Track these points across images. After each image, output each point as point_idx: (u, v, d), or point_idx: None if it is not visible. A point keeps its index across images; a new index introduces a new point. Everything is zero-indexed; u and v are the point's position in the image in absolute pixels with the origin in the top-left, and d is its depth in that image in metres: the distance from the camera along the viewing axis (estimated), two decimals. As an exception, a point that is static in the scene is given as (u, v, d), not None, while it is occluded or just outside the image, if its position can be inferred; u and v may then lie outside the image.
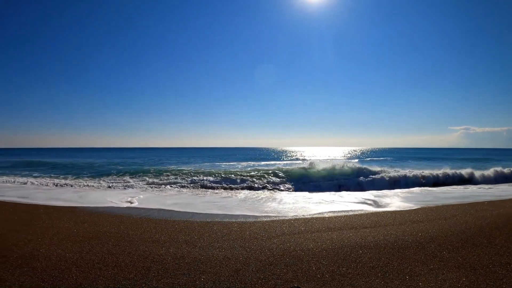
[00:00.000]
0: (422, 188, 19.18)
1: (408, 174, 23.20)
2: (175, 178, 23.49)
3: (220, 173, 25.47)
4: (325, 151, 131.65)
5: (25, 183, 22.02)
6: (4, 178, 24.68)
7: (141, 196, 15.86)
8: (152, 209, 12.39)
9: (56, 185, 20.98)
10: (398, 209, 11.68)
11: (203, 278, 5.38)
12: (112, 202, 14.12)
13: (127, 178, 24.06)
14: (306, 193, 16.90)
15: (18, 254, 6.66)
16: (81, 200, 14.70)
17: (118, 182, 21.74)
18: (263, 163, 51.33)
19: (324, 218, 10.20)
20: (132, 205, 13.41)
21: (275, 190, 19.44)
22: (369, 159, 69.66)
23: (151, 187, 19.86)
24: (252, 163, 51.40)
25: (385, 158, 71.70)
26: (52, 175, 27.52)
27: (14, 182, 22.56)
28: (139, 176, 25.03)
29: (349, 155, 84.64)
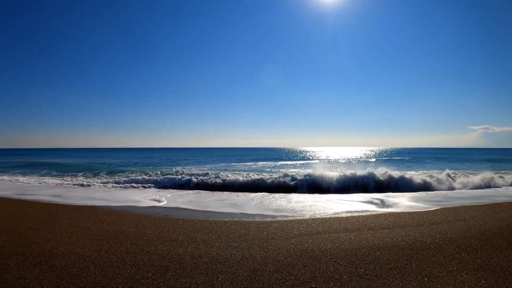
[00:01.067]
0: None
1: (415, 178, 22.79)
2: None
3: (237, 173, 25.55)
4: (342, 152, 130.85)
5: (60, 184, 22.41)
6: (35, 178, 25.20)
7: (169, 195, 16.13)
8: (170, 207, 12.50)
9: (82, 185, 21.43)
10: (416, 210, 11.56)
11: (221, 278, 5.37)
12: (140, 201, 14.41)
13: (155, 177, 24.26)
14: (322, 194, 16.85)
15: (37, 252, 6.73)
16: (113, 199, 15.02)
17: (143, 182, 21.97)
18: (279, 163, 51.45)
19: (341, 218, 10.16)
20: (159, 204, 13.64)
21: (290, 190, 19.45)
22: (386, 158, 69.21)
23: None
24: (269, 163, 51.56)
25: (401, 157, 71.14)
26: (79, 175, 27.96)
27: (42, 183, 22.88)
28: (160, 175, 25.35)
29: (366, 155, 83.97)
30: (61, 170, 33.72)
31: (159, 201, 14.15)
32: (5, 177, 25.92)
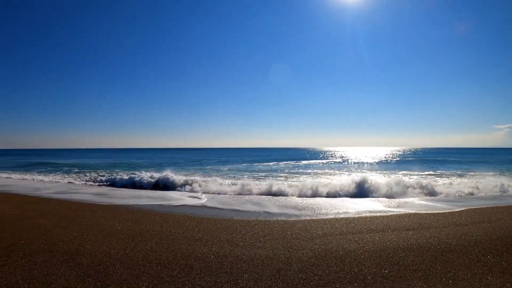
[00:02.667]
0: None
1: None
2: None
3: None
4: (367, 152, 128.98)
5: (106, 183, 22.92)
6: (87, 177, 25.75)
7: (211, 195, 16.28)
8: (195, 206, 12.60)
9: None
10: (441, 211, 11.41)
11: (246, 277, 5.36)
12: (184, 199, 14.69)
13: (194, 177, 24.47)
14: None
15: (64, 249, 6.82)
16: (162, 198, 15.21)
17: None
18: (302, 162, 51.35)
19: (365, 218, 10.07)
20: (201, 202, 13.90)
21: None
22: (411, 158, 68.10)
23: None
24: (292, 162, 51.52)
25: (421, 158, 70.01)
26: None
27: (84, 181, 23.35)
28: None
29: (392, 156, 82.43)
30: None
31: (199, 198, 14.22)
32: (45, 177, 26.55)
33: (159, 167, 43.84)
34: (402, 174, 28.07)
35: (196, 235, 8.21)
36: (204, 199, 14.61)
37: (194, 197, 15.42)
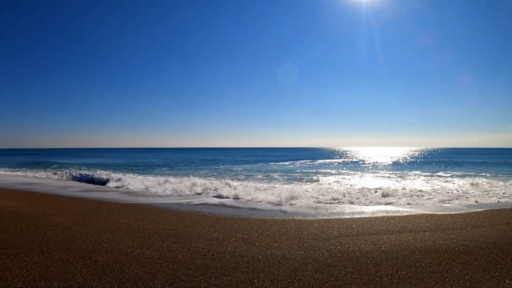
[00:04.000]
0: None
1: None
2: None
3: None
4: (383, 152, 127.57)
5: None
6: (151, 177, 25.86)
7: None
8: (213, 204, 12.62)
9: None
10: (458, 212, 11.27)
11: (262, 277, 5.33)
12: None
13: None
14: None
15: (81, 247, 6.87)
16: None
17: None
18: (318, 162, 51.23)
19: (381, 219, 9.95)
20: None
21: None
22: (432, 159, 67.14)
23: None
24: (308, 162, 51.44)
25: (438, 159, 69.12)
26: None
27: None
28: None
29: (406, 156, 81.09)
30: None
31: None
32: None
33: (174, 165, 44.39)
34: (425, 176, 27.72)
35: (212, 234, 8.21)
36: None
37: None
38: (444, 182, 21.93)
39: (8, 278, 5.21)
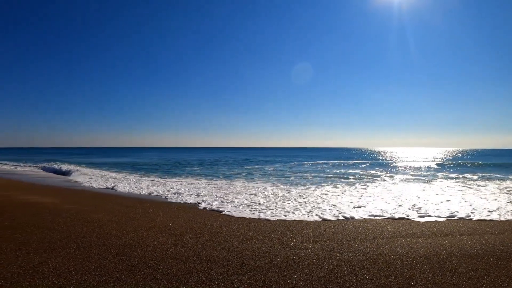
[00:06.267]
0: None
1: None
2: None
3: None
4: (418, 153, 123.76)
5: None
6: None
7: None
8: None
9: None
10: (496, 217, 10.96)
11: (295, 277, 5.26)
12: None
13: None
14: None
15: (117, 243, 6.97)
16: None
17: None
18: (350, 162, 50.70)
19: (418, 222, 9.70)
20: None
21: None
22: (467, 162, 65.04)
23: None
24: (343, 162, 50.95)
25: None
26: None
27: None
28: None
29: (444, 158, 78.01)
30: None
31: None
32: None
33: (207, 164, 44.86)
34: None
35: (247, 233, 8.19)
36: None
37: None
38: (479, 186, 21.24)
39: (45, 272, 5.33)
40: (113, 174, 29.00)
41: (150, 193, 16.13)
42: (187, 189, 17.94)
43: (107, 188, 18.69)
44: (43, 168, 35.59)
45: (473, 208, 11.99)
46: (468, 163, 49.27)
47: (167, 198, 14.64)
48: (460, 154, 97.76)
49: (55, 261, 5.83)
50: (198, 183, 21.33)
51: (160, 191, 17.03)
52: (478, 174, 30.12)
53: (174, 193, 15.94)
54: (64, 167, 35.07)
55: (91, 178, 24.78)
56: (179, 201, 13.90)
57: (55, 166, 36.76)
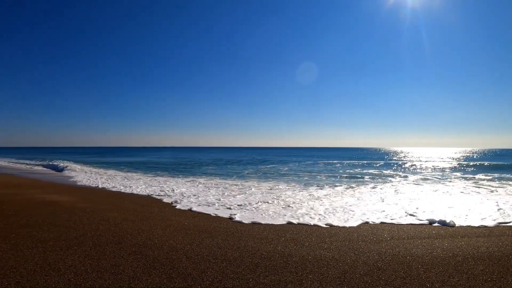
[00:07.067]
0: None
1: None
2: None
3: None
4: (440, 153, 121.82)
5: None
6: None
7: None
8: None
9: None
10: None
11: (310, 277, 5.24)
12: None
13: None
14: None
15: (132, 242, 7.01)
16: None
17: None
18: (362, 162, 50.44)
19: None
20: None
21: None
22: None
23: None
24: (357, 161, 50.75)
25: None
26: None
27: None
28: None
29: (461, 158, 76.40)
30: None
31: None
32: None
33: (221, 163, 45.10)
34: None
35: (262, 233, 8.18)
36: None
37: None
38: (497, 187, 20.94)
39: (61, 269, 5.37)
40: (129, 174, 29.24)
41: (164, 193, 16.15)
42: (200, 189, 18.00)
43: (122, 187, 18.78)
44: (54, 167, 36.27)
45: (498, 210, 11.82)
46: (484, 164, 48.61)
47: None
48: (475, 155, 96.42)
49: (71, 258, 5.89)
50: (213, 183, 21.30)
51: (174, 190, 17.07)
52: (495, 175, 29.66)
53: (189, 195, 15.93)
54: (78, 167, 35.89)
55: (106, 177, 25.08)
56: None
57: (68, 165, 37.30)
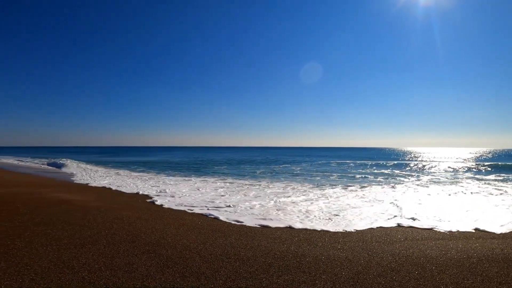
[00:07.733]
0: None
1: None
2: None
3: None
4: (457, 153, 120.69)
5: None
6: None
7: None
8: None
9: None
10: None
11: (324, 278, 5.22)
12: None
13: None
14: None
15: (146, 241, 7.04)
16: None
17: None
18: (372, 162, 50.19)
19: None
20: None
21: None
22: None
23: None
24: (370, 162, 50.52)
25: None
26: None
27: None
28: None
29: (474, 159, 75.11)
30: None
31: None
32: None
33: (234, 163, 45.34)
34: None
35: (275, 233, 8.17)
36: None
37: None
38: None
39: (75, 267, 5.42)
40: (141, 173, 29.37)
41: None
42: (214, 188, 18.05)
43: (134, 186, 18.85)
44: (62, 166, 36.68)
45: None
46: (499, 164, 48.02)
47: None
48: (490, 155, 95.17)
49: (85, 256, 5.94)
50: (226, 183, 21.32)
51: (187, 189, 17.11)
52: (510, 176, 29.31)
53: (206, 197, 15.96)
54: (89, 166, 36.62)
55: (119, 176, 25.30)
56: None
57: (81, 165, 37.73)
